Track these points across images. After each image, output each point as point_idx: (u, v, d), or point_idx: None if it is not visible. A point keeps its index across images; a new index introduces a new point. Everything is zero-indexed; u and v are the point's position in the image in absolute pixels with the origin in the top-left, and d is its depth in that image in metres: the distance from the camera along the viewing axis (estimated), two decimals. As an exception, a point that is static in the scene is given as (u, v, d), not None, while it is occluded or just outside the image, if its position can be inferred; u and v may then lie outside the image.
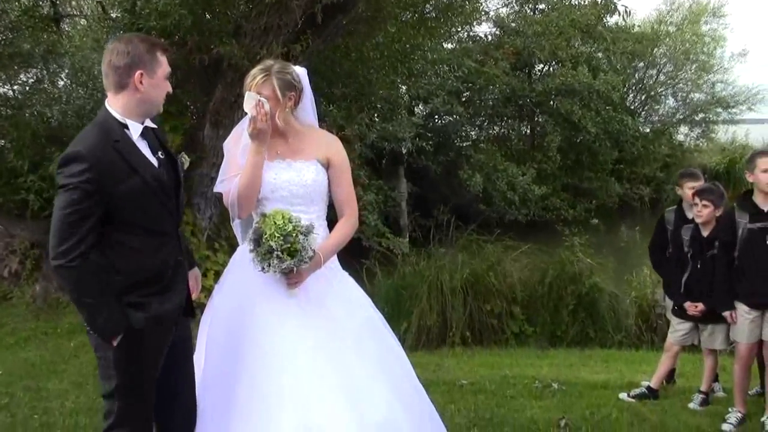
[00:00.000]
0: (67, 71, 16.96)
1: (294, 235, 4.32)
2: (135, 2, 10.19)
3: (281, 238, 4.29)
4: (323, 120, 14.06)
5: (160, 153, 4.19)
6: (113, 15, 11.34)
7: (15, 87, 16.49)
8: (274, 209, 4.46)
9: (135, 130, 4.10)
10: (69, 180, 3.85)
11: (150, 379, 4.16)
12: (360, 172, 18.75)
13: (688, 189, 7.54)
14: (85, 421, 7.08)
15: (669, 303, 7.89)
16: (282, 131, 4.62)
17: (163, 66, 4.12)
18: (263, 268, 4.37)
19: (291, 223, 4.36)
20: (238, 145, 4.69)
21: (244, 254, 4.66)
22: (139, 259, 4.04)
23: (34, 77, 16.80)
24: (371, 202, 18.88)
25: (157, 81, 4.10)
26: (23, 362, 9.56)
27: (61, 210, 3.86)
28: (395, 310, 11.52)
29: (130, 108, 4.09)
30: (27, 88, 16.39)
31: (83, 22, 15.82)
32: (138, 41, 4.12)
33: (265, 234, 4.31)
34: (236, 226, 4.83)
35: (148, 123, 4.22)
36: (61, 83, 17.11)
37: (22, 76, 16.52)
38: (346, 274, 4.93)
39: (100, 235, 3.92)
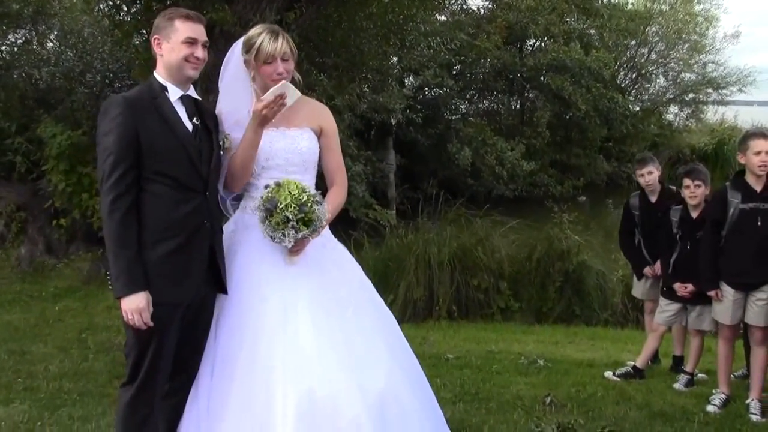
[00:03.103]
0: (56, 33, 16.84)
1: (309, 204, 4.31)
2: (127, -36, 10.07)
3: (297, 208, 4.27)
4: (313, 89, 14.06)
5: (195, 119, 4.39)
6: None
7: (3, 47, 16.35)
8: (286, 178, 4.43)
9: (174, 93, 4.36)
10: (108, 125, 4.17)
11: (160, 341, 4.25)
12: (349, 143, 18.69)
13: (639, 177, 7.95)
14: (69, 386, 7.07)
15: (637, 283, 8.28)
16: (267, 120, 4.55)
17: (180, 31, 4.32)
18: (274, 238, 4.34)
19: (305, 192, 4.34)
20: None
21: (236, 224, 4.66)
22: (164, 208, 4.22)
23: (23, 38, 16.66)
24: (359, 173, 18.82)
25: (172, 45, 4.33)
26: (7, 325, 9.55)
27: (101, 155, 4.16)
28: (382, 283, 11.44)
29: (164, 73, 4.38)
30: (15, 48, 16.26)
31: (73, -17, 15.69)
32: (163, 12, 4.45)
33: (281, 204, 4.27)
34: (226, 199, 4.79)
35: (192, 94, 4.46)
36: (50, 45, 16.99)
37: (10, 36, 16.38)
38: (337, 241, 4.93)
39: (137, 183, 4.16)
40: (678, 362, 8.00)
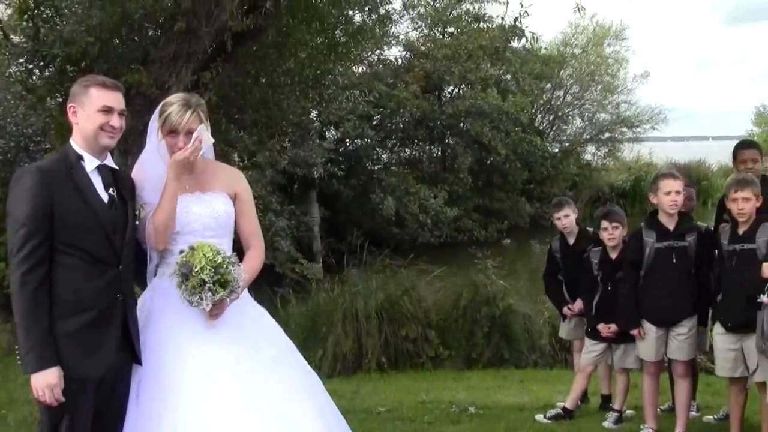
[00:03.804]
0: (-36, 98, 16.46)
1: (224, 266, 4.28)
2: (38, 28, 9.93)
3: (212, 270, 4.24)
4: (234, 147, 14.05)
5: (111, 190, 4.31)
6: (15, 41, 11.02)
7: None
8: (200, 242, 4.39)
9: (90, 162, 4.27)
10: (20, 196, 4.06)
11: (72, 418, 4.13)
12: (271, 198, 18.65)
13: (556, 220, 8.07)
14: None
15: (562, 324, 8.44)
16: (190, 165, 4.56)
17: (95, 99, 4.23)
18: (192, 302, 4.29)
19: (220, 254, 4.31)
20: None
21: (154, 291, 4.61)
22: (77, 282, 4.11)
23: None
24: (283, 228, 18.76)
25: (87, 113, 4.24)
26: None
27: (12, 225, 4.05)
28: (310, 338, 11.48)
29: (80, 141, 4.28)
30: None
31: (-17, 47, 15.45)
32: (80, 80, 4.37)
33: (196, 267, 4.24)
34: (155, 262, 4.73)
35: (110, 163, 4.38)
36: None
37: None
38: (256, 303, 4.91)
39: (49, 255, 4.05)
40: (606, 400, 8.10)
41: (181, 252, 4.38)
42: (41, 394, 4.00)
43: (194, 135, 4.42)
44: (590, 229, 8.11)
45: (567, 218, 7.94)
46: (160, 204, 4.48)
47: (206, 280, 4.22)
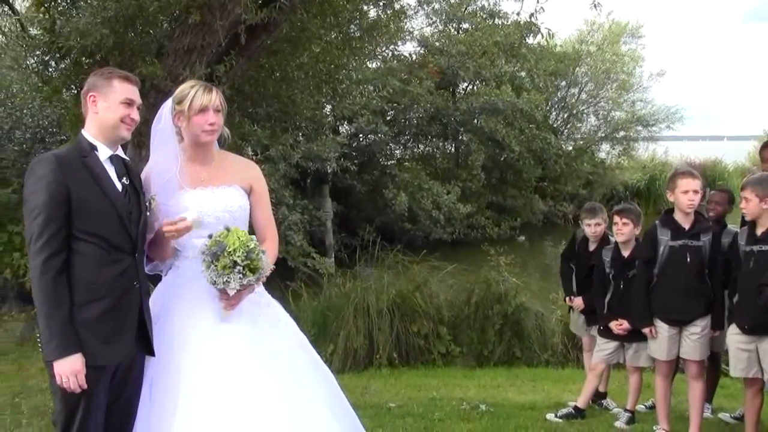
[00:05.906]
0: (-17, 89, 16.56)
1: (256, 252, 4.33)
2: (55, 20, 9.95)
3: (245, 253, 4.27)
4: (247, 140, 14.03)
5: (124, 179, 4.36)
6: (32, 33, 11.07)
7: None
8: (234, 227, 4.42)
9: (103, 152, 4.34)
10: (36, 184, 4.11)
11: (87, 405, 4.15)
12: (285, 192, 18.66)
13: (586, 226, 7.96)
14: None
15: (573, 319, 8.49)
16: (203, 158, 4.60)
17: (118, 91, 4.33)
18: (217, 283, 4.30)
19: (252, 240, 4.36)
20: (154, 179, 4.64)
21: (166, 285, 4.61)
22: (94, 269, 4.14)
23: (-52, 94, 16.37)
24: (296, 222, 18.79)
25: (109, 104, 4.32)
26: None
27: (29, 214, 4.10)
28: (321, 332, 11.48)
29: (95, 131, 4.35)
30: (-58, 106, 15.98)
31: (1, 38, 15.49)
32: (101, 71, 4.45)
33: (229, 248, 4.27)
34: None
35: (121, 154, 4.42)
36: (-22, 101, 16.71)
37: (-65, 91, 16.11)
38: (271, 297, 4.90)
39: (66, 242, 4.09)
40: (600, 397, 8.08)
41: (210, 236, 4.39)
42: (66, 380, 4.01)
43: (185, 217, 4.42)
44: (612, 239, 7.94)
45: (599, 227, 7.83)
46: (156, 239, 4.54)
47: (238, 261, 4.25)
